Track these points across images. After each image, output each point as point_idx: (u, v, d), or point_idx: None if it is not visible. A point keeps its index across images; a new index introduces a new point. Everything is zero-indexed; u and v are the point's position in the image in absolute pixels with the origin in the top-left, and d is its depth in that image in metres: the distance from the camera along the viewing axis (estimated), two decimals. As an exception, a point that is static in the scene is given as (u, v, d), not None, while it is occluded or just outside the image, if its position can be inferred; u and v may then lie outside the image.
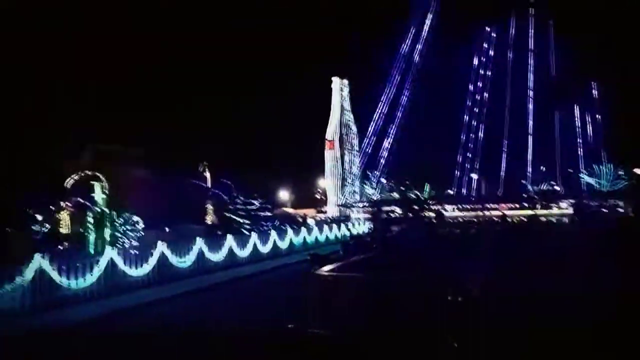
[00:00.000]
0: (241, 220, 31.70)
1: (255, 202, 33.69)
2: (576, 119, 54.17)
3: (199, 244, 22.59)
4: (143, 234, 23.55)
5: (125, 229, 22.63)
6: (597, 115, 53.13)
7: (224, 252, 24.58)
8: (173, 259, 20.84)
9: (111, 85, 52.42)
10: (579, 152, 54.13)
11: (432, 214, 48.49)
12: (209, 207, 34.37)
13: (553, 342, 7.48)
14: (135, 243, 22.67)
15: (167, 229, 27.18)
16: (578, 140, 54.72)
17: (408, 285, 10.11)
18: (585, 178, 51.40)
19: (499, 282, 11.71)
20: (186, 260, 21.65)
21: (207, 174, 38.55)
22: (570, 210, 40.23)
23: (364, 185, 66.50)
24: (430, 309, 7.75)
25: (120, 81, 54.97)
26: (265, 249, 28.96)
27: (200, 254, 22.64)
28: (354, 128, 68.89)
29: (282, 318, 10.58)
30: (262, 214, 34.18)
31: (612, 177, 53.00)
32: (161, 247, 20.16)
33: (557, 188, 54.07)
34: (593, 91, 54.76)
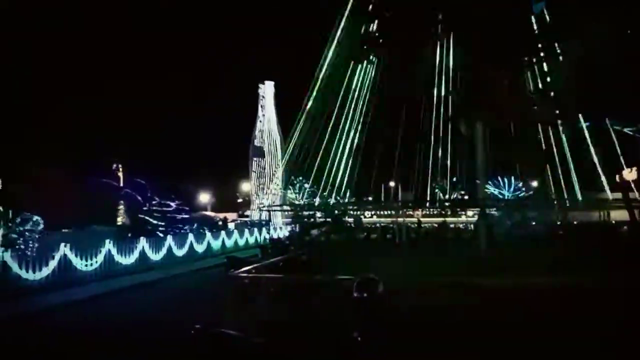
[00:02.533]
0: (156, 222, 30.33)
1: (172, 203, 32.41)
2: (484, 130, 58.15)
3: (108, 246, 21.29)
4: (42, 235, 21.71)
5: (22, 229, 20.72)
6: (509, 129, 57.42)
7: (135, 255, 23.38)
8: (77, 262, 19.45)
9: (18, 75, 47.93)
10: (486, 164, 58.44)
11: (351, 219, 49.67)
12: (121, 207, 32.51)
13: (454, 336, 8.01)
14: (33, 245, 20.84)
15: (69, 230, 25.30)
16: (488, 151, 59.00)
17: (320, 285, 10.30)
18: (491, 189, 55.62)
19: (408, 282, 12.33)
20: (92, 264, 20.29)
21: (121, 174, 36.47)
22: (475, 218, 43.25)
23: (287, 190, 66.71)
24: (339, 306, 7.95)
25: (26, 72, 50.44)
26: (181, 252, 27.96)
27: (109, 256, 21.35)
28: (278, 132, 68.91)
29: (192, 320, 10.28)
30: (179, 216, 32.96)
31: (513, 188, 57.87)
32: (64, 249, 18.73)
33: (466, 197, 58.04)
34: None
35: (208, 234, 32.06)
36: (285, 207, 54.82)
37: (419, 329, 8.18)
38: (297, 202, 64.17)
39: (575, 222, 35.38)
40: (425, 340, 7.68)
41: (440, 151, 56.94)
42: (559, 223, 34.46)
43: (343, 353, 6.35)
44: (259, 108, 66.71)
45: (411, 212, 54.38)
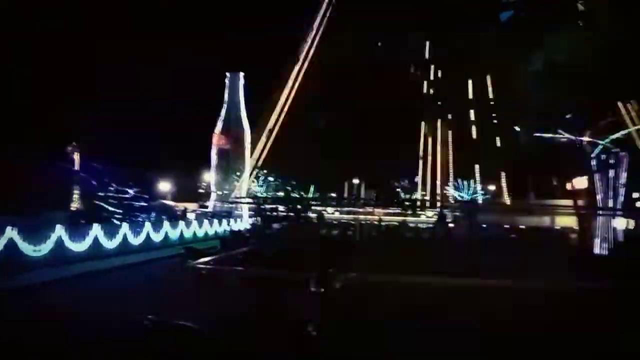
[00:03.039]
0: (112, 209, 29.37)
1: (129, 190, 31.46)
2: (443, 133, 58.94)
3: (59, 231, 20.46)
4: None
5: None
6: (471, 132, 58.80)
7: (88, 242, 22.58)
8: (25, 247, 18.61)
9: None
10: (447, 167, 59.73)
11: (314, 215, 49.69)
12: (76, 193, 31.28)
13: (405, 330, 8.18)
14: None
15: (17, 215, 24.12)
16: (450, 155, 60.27)
17: (277, 279, 10.30)
18: (451, 190, 57.14)
19: (363, 278, 12.48)
20: (41, 249, 19.46)
21: (76, 157, 35.01)
22: (434, 219, 44.27)
23: (250, 183, 66.05)
24: (297, 300, 7.96)
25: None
26: (137, 241, 27.22)
27: (60, 242, 20.52)
28: (245, 124, 67.97)
29: (145, 311, 10.03)
30: (137, 204, 32.02)
31: (472, 190, 59.66)
32: (10, 233, 17.87)
33: (427, 197, 59.41)
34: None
35: (166, 224, 31.34)
36: (247, 200, 54.22)
37: (372, 322, 8.30)
38: (260, 195, 63.58)
39: (521, 227, 36.81)
40: (377, 334, 7.80)
41: (405, 152, 58.05)
42: (506, 227, 35.87)
43: (299, 346, 6.37)
44: (225, 97, 65.59)
45: (372, 210, 55.12)
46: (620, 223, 29.16)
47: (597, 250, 26.86)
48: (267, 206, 49.07)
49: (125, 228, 26.18)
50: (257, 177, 65.93)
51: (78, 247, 21.81)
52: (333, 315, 6.83)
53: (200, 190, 70.32)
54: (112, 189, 30.47)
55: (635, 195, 39.09)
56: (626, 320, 9.74)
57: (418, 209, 51.88)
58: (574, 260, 21.57)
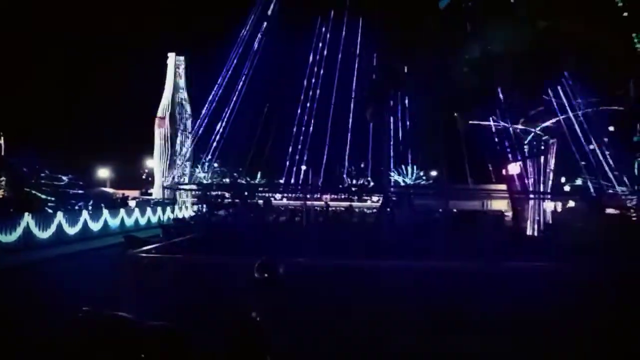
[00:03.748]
0: (44, 197, 27.63)
1: (63, 177, 29.67)
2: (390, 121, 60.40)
3: (-16, 222, 19.06)
4: None
5: None
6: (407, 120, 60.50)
7: (18, 232, 21.18)
8: (-56, 239, 17.20)
9: None
10: (390, 153, 60.93)
11: (261, 201, 49.37)
12: (2, 180, 29.11)
13: (353, 318, 8.32)
14: None
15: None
16: (390, 142, 61.60)
17: (223, 266, 10.13)
18: (394, 176, 58.57)
19: (312, 264, 12.56)
20: (-37, 241, 18.07)
21: (1, 142, 32.52)
22: (378, 204, 45.38)
23: (195, 168, 64.39)
24: (241, 287, 7.86)
25: None
26: (73, 230, 25.87)
27: (-15, 234, 19.14)
28: (187, 108, 65.89)
29: (82, 303, 9.55)
30: (73, 191, 30.31)
31: (415, 176, 61.50)
32: None
33: (372, 183, 60.57)
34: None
35: (105, 212, 29.99)
36: (191, 187, 52.92)
37: (319, 309, 8.37)
38: (205, 182, 62.24)
39: (454, 210, 38.61)
40: (323, 322, 7.88)
41: (349, 137, 58.56)
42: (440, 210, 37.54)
43: (243, 334, 6.29)
44: (167, 81, 63.18)
45: (319, 196, 55.59)
46: (549, 206, 31.21)
47: (529, 232, 28.66)
48: (213, 193, 48.25)
49: (59, 217, 24.78)
50: (201, 163, 64.45)
51: (6, 237, 20.43)
52: (278, 302, 6.81)
53: (143, 177, 67.74)
54: (44, 175, 28.59)
55: (562, 179, 41.99)
56: (561, 296, 10.44)
57: (363, 194, 52.88)
58: (509, 242, 22.87)
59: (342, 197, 54.08)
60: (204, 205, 44.05)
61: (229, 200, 42.80)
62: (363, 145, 58.20)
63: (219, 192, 48.82)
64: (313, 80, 63.90)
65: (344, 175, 62.70)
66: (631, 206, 39.16)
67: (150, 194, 60.32)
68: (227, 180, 61.81)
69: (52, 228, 23.90)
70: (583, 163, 43.42)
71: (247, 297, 7.63)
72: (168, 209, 41.86)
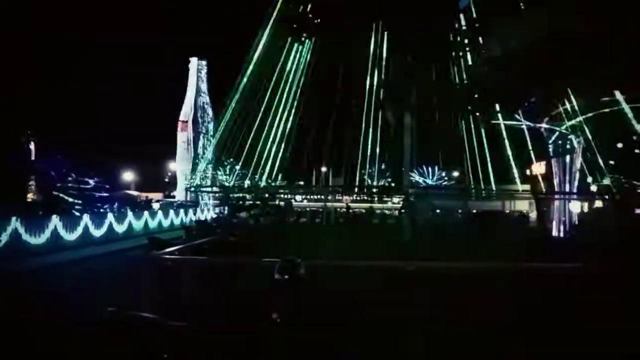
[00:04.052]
0: (72, 200, 28.36)
1: (90, 180, 30.40)
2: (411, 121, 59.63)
3: (14, 224, 19.65)
4: None
5: None
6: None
7: (46, 234, 21.80)
8: (-23, 241, 17.83)
9: None
10: (412, 153, 60.33)
11: (282, 203, 49.67)
12: (32, 184, 30.00)
13: (373, 320, 8.27)
14: None
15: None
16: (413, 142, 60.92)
17: (243, 267, 10.21)
18: (415, 177, 58.15)
19: (333, 265, 12.55)
20: (-5, 243, 18.69)
21: (32, 147, 33.52)
22: (400, 205, 45.11)
23: (217, 171, 65.10)
24: (262, 289, 7.90)
25: None
26: (99, 232, 26.49)
27: (16, 235, 19.73)
28: (209, 111, 66.67)
29: (107, 303, 9.76)
30: (98, 194, 31.03)
31: (437, 177, 60.90)
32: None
33: (393, 184, 60.22)
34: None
35: (130, 214, 30.62)
36: (214, 189, 53.52)
37: (339, 311, 8.34)
38: (226, 184, 62.94)
39: (474, 211, 38.08)
40: (343, 324, 7.85)
41: (370, 139, 58.32)
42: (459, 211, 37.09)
43: (264, 334, 6.33)
44: (189, 85, 64.07)
45: (340, 198, 55.52)
46: (576, 207, 30.46)
47: (555, 232, 28.04)
48: (234, 195, 48.81)
49: (85, 219, 25.41)
50: (222, 165, 65.13)
51: (35, 240, 21.04)
52: (299, 302, 6.81)
53: (166, 180, 68.86)
54: (71, 179, 29.36)
55: (589, 179, 40.93)
56: (589, 297, 10.19)
57: (384, 196, 52.58)
58: (535, 243, 22.40)
59: (363, 198, 53.93)
60: (225, 208, 44.67)
61: (250, 202, 43.27)
62: (383, 146, 58.00)
63: (240, 195, 49.44)
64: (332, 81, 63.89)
65: (365, 177, 62.52)
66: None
67: (174, 197, 61.26)
68: (248, 182, 62.39)
69: (79, 230, 24.52)
70: (612, 162, 42.34)
71: (268, 298, 7.68)
72: (190, 211, 42.45)
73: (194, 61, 65.60)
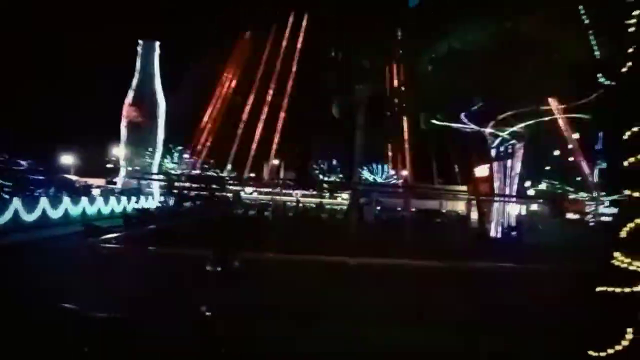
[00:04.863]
0: (0, 182, 26.47)
1: (22, 162, 28.50)
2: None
3: None
4: None
5: None
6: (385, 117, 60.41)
7: (-31, 217, 20.20)
8: None
9: None
10: (362, 151, 61.16)
11: (230, 194, 48.93)
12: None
13: (316, 311, 8.20)
14: None
15: None
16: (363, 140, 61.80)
17: (181, 258, 9.91)
18: (365, 174, 58.91)
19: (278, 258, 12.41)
20: None
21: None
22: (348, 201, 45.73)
23: (164, 159, 62.96)
24: (195, 279, 7.67)
25: None
26: (31, 217, 24.83)
27: None
28: (159, 97, 64.34)
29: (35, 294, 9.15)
30: (32, 177, 29.14)
31: (386, 175, 61.98)
32: None
33: (344, 180, 60.72)
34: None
35: (66, 199, 28.94)
36: (158, 177, 51.72)
37: (278, 304, 8.23)
38: (174, 172, 61.02)
39: (412, 209, 39.46)
40: (283, 314, 7.74)
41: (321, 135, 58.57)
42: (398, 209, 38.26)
43: (195, 327, 6.12)
44: (138, 67, 61.50)
45: (290, 192, 55.40)
46: (514, 209, 31.99)
47: (493, 233, 29.33)
48: (181, 184, 47.46)
49: (16, 203, 23.76)
50: (170, 153, 63.16)
51: (-44, 223, 19.45)
52: (231, 294, 6.64)
53: (109, 165, 65.84)
54: (1, 159, 27.39)
55: (527, 183, 43.15)
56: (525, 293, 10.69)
57: (335, 192, 52.96)
58: (475, 242, 23.36)
59: (314, 193, 54.05)
60: (170, 197, 43.37)
61: (197, 192, 42.24)
62: (335, 142, 58.30)
63: (187, 184, 48.10)
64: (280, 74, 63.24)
65: (317, 171, 62.67)
66: (589, 211, 40.71)
67: (116, 183, 58.68)
68: (197, 171, 60.84)
69: (7, 215, 22.88)
70: (547, 168, 44.79)
71: (201, 290, 7.44)
72: (133, 198, 40.79)
73: (143, 42, 62.80)
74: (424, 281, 11.84)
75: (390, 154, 59.28)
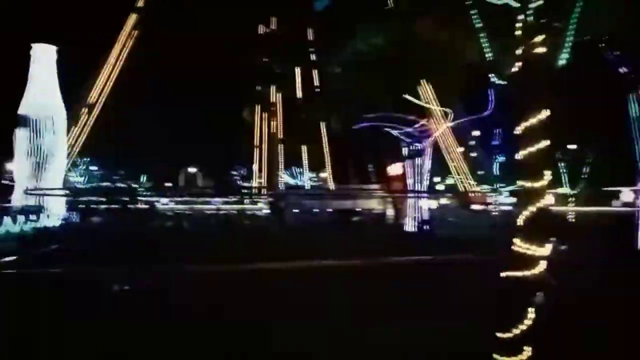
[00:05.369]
0: None
1: None
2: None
3: None
4: None
5: None
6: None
7: None
8: None
9: None
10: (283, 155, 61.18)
11: (145, 206, 46.59)
12: None
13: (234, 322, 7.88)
14: None
15: None
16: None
17: (80, 278, 9.14)
18: (286, 178, 58.90)
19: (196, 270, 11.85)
20: None
21: None
22: (270, 206, 45.46)
23: (68, 172, 58.12)
24: (99, 299, 7.07)
25: None
26: None
27: None
28: (58, 105, 59.35)
29: None
30: None
31: (307, 178, 62.46)
32: None
33: (264, 185, 60.14)
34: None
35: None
36: (61, 192, 47.55)
37: (193, 319, 7.79)
38: (81, 186, 56.59)
39: (329, 210, 40.52)
40: (195, 330, 7.34)
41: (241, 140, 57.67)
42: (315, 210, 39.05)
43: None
44: (31, 74, 56.34)
45: (209, 200, 53.83)
46: (426, 204, 33.72)
47: (408, 228, 30.70)
48: (87, 198, 44.12)
49: None
50: (75, 165, 58.60)
51: None
52: (142, 314, 6.17)
53: (4, 182, 59.42)
54: None
55: (437, 179, 45.83)
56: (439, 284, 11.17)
57: (255, 197, 52.31)
58: (392, 238, 24.23)
59: (234, 199, 52.95)
60: (75, 213, 40.19)
61: (107, 206, 39.54)
62: (254, 147, 57.65)
63: (94, 197, 44.86)
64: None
65: (236, 178, 61.49)
66: (491, 202, 44.15)
67: (10, 201, 53.11)
68: (107, 184, 57.00)
69: None
70: (453, 164, 47.89)
71: (105, 308, 6.82)
72: (32, 217, 37.17)
73: (37, 46, 57.52)
74: (348, 280, 12.02)
75: (307, 157, 59.95)
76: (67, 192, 45.31)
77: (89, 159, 60.92)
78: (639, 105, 17.82)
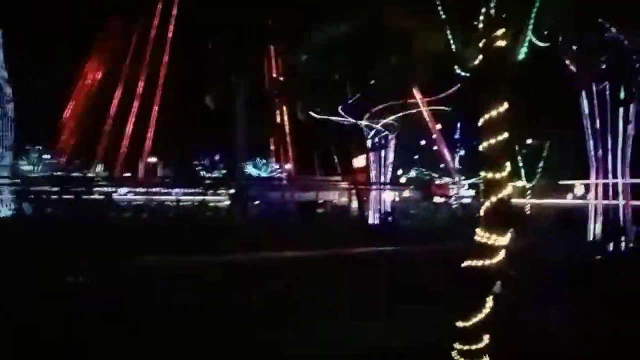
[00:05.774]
0: None
1: None
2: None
3: None
4: None
5: None
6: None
7: None
8: None
9: None
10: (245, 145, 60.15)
11: (101, 197, 45.04)
12: None
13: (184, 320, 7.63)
14: None
15: None
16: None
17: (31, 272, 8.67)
18: (249, 169, 58.13)
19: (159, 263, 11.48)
20: None
21: None
22: (233, 197, 44.76)
23: (19, 160, 55.25)
24: (45, 293, 6.69)
25: None
26: None
27: None
28: (7, 89, 56.17)
29: None
30: None
31: (271, 169, 61.85)
32: None
33: (227, 176, 59.09)
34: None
35: None
36: (11, 181, 45.17)
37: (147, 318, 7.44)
38: (32, 175, 53.90)
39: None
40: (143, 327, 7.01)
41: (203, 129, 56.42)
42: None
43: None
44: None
45: (169, 191, 52.53)
46: (389, 196, 34.17)
47: (371, 220, 31.01)
48: (40, 188, 42.08)
49: None
50: (27, 154, 55.86)
51: None
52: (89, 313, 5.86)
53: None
54: None
55: (399, 171, 46.47)
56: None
57: (218, 188, 51.39)
58: (356, 230, 24.41)
59: (195, 191, 51.79)
60: (27, 203, 38.34)
61: (60, 196, 37.89)
62: (218, 136, 56.38)
63: (45, 188, 42.81)
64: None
65: (199, 168, 60.03)
66: (452, 194, 45.24)
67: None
68: (60, 173, 54.53)
69: None
70: (416, 157, 48.63)
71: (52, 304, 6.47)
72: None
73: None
74: (312, 271, 11.96)
75: (273, 148, 59.34)
76: (19, 181, 43.07)
77: (41, 147, 58.14)
78: (589, 102, 18.59)
